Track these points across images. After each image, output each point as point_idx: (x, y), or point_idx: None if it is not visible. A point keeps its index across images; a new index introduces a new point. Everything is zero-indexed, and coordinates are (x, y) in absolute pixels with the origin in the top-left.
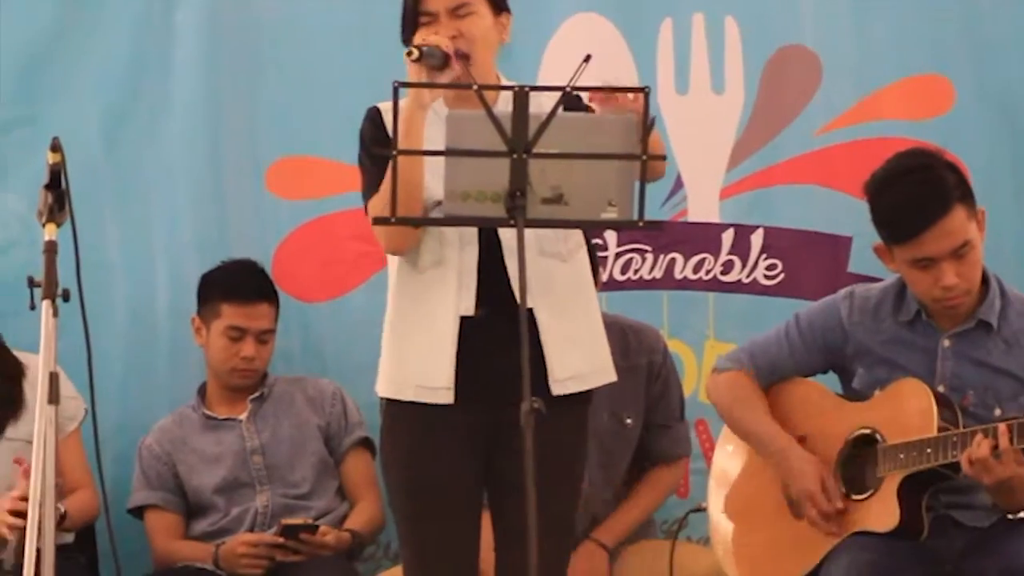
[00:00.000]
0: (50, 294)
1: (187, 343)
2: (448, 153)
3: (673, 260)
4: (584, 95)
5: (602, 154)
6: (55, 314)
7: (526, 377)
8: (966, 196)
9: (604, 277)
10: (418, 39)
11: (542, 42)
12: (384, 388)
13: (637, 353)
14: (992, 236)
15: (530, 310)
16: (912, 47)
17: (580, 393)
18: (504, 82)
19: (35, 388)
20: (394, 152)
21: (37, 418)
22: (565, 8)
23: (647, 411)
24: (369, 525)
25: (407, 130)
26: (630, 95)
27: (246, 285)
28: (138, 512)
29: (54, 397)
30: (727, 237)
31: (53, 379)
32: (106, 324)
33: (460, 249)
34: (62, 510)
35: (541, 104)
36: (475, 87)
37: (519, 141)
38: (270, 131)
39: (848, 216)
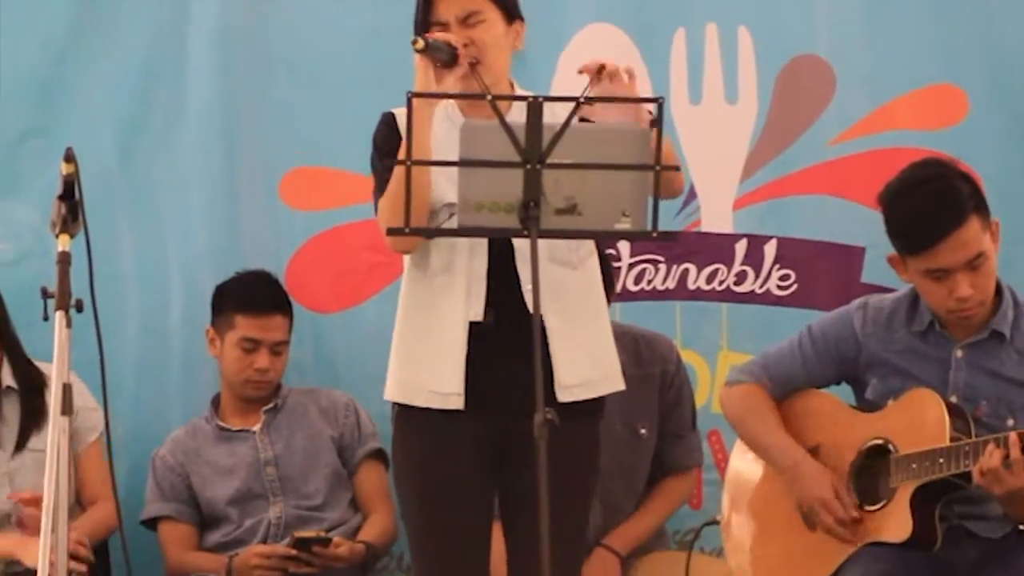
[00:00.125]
0: (63, 305)
1: (200, 354)
2: (462, 163)
3: (686, 270)
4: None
5: (616, 164)
6: (68, 325)
7: (539, 388)
8: (980, 207)
9: (617, 288)
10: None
11: (556, 52)
12: (393, 392)
13: (650, 363)
14: (1006, 247)
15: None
16: (926, 57)
17: (590, 402)
18: (518, 91)
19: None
20: (408, 162)
21: (51, 429)
22: (579, 18)
23: (660, 421)
24: (382, 537)
25: (415, 126)
26: (623, 75)
27: (260, 297)
28: (151, 523)
29: (67, 408)
30: (740, 247)
31: (66, 390)
32: (119, 335)
33: (470, 255)
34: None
35: (555, 114)
36: (489, 97)
37: (533, 151)
38: (283, 142)
39: (862, 227)
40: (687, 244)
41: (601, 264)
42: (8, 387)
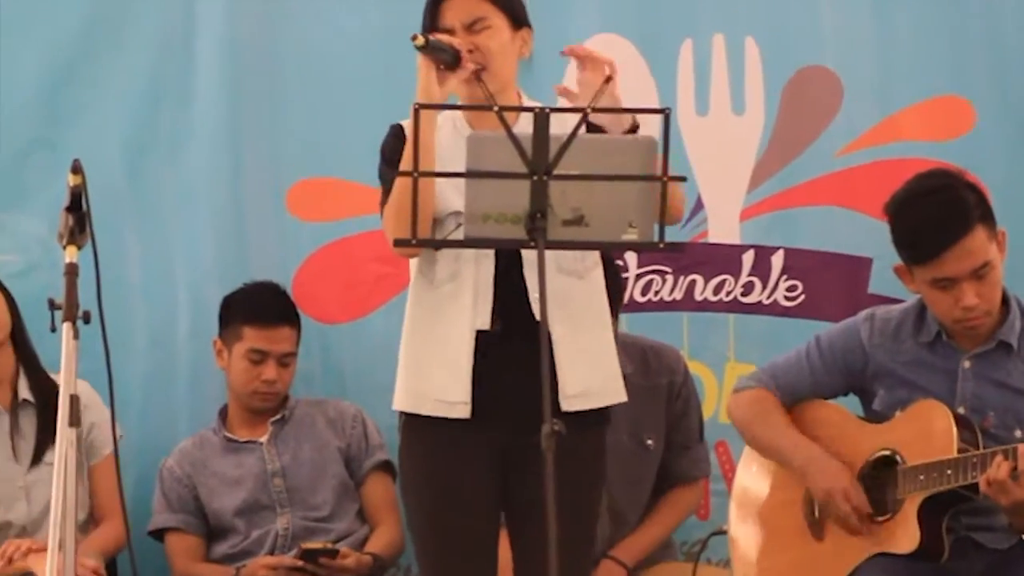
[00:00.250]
0: (71, 316)
1: (208, 365)
2: (468, 175)
3: (693, 282)
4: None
5: (623, 175)
6: (76, 336)
7: (546, 399)
8: (986, 216)
9: (625, 298)
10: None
11: (563, 62)
12: (401, 402)
13: (657, 373)
14: (1012, 256)
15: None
16: (932, 68)
17: (596, 412)
18: (526, 100)
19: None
20: (415, 174)
21: (58, 441)
22: (586, 29)
23: (667, 431)
24: (389, 548)
25: (417, 131)
26: (604, 67)
27: (268, 308)
28: (158, 534)
29: (74, 420)
30: (747, 258)
31: (73, 401)
32: (127, 346)
33: (476, 263)
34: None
35: (562, 124)
36: (495, 108)
37: (540, 162)
38: (290, 153)
39: (869, 237)
40: (694, 255)
41: (609, 273)
42: (24, 400)
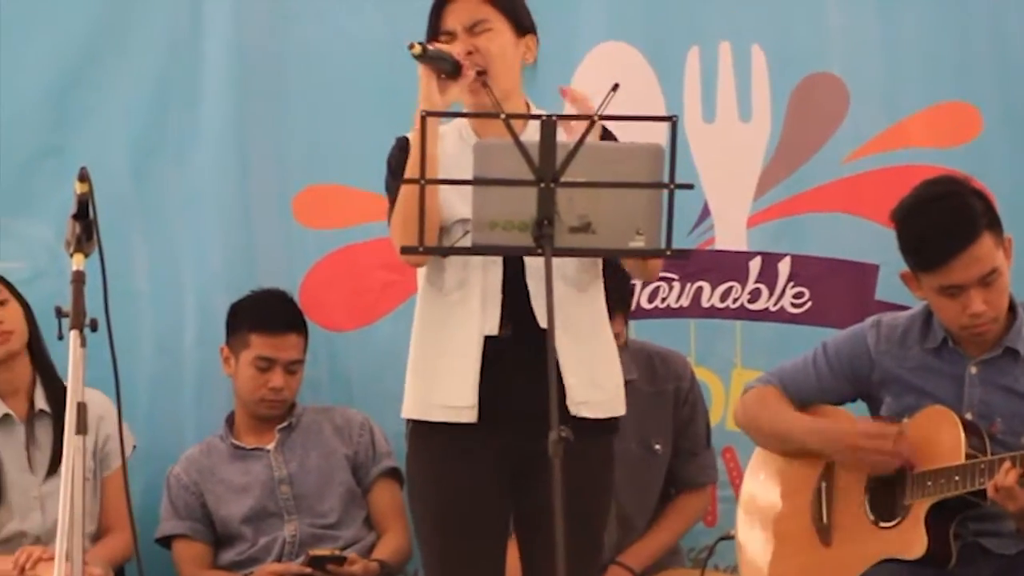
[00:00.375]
0: (78, 324)
1: (215, 372)
2: (475, 182)
3: (700, 288)
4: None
5: (630, 183)
6: (83, 344)
7: (553, 406)
8: (993, 223)
9: (632, 305)
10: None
11: (570, 70)
12: (409, 410)
13: (664, 379)
14: (1019, 263)
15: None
16: (939, 74)
17: (603, 420)
18: (532, 109)
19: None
20: (421, 181)
21: (65, 449)
22: (592, 37)
23: (675, 437)
24: (396, 555)
25: (425, 138)
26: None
27: (276, 316)
28: (166, 541)
29: (82, 428)
30: (754, 265)
31: (81, 409)
32: (134, 354)
33: (484, 270)
34: None
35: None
36: (502, 116)
37: (547, 170)
38: (297, 160)
39: (875, 244)
40: (701, 262)
41: (617, 280)
42: (41, 410)
